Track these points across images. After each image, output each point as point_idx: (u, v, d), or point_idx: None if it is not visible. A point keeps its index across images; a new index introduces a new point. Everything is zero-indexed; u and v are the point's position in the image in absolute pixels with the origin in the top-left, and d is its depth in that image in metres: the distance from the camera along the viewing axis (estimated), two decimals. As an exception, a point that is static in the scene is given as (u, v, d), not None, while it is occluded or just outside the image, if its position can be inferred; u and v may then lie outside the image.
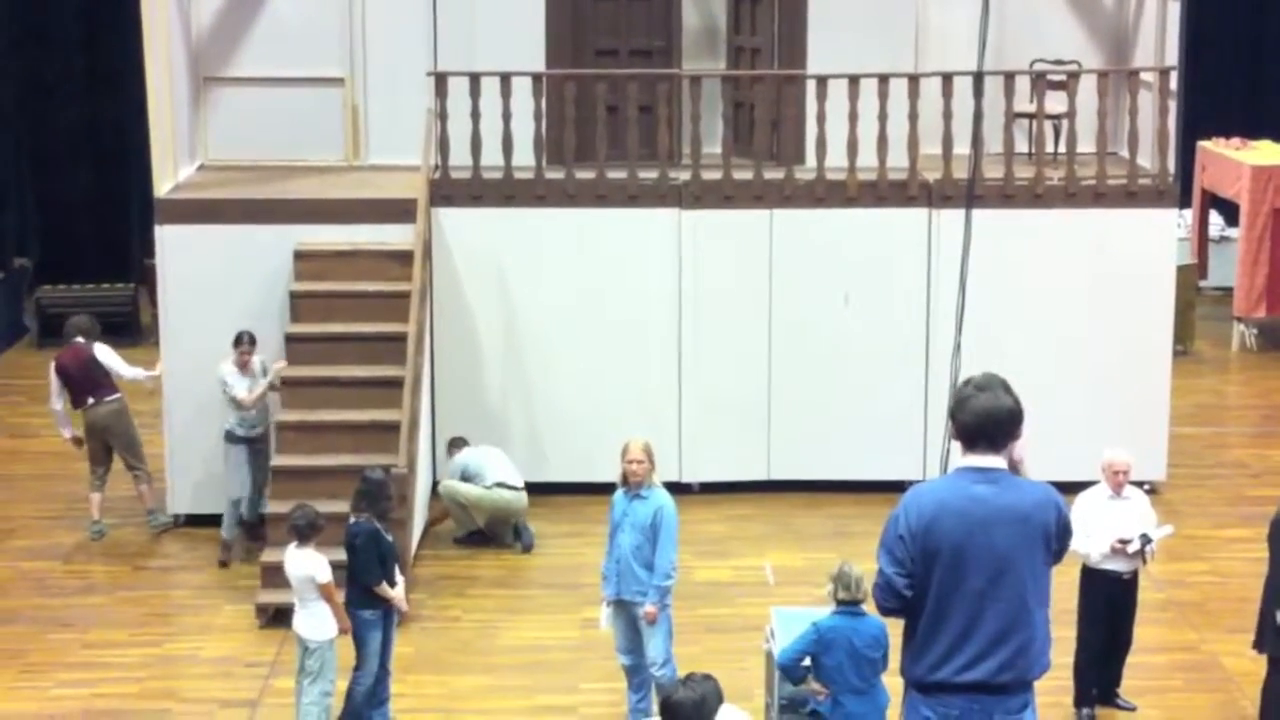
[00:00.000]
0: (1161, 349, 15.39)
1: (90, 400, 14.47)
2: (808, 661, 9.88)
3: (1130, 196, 15.13)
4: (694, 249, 15.08)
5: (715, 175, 15.03)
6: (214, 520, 14.13)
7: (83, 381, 14.45)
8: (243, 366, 13.87)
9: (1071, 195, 15.13)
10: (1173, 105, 15.12)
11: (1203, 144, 21.03)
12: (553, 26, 15.70)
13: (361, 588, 10.94)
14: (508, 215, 15.04)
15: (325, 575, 10.75)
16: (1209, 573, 13.89)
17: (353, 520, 11.05)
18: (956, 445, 7.27)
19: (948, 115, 14.81)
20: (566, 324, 15.14)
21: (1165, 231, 15.37)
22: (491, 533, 14.46)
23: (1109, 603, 11.27)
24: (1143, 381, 15.21)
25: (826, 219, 15.07)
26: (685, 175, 15.11)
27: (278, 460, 13.68)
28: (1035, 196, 15.12)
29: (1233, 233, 21.14)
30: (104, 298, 19.81)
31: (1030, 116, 15.42)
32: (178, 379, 14.40)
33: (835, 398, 15.21)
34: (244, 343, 13.82)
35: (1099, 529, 11.07)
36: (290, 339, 14.29)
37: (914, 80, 14.93)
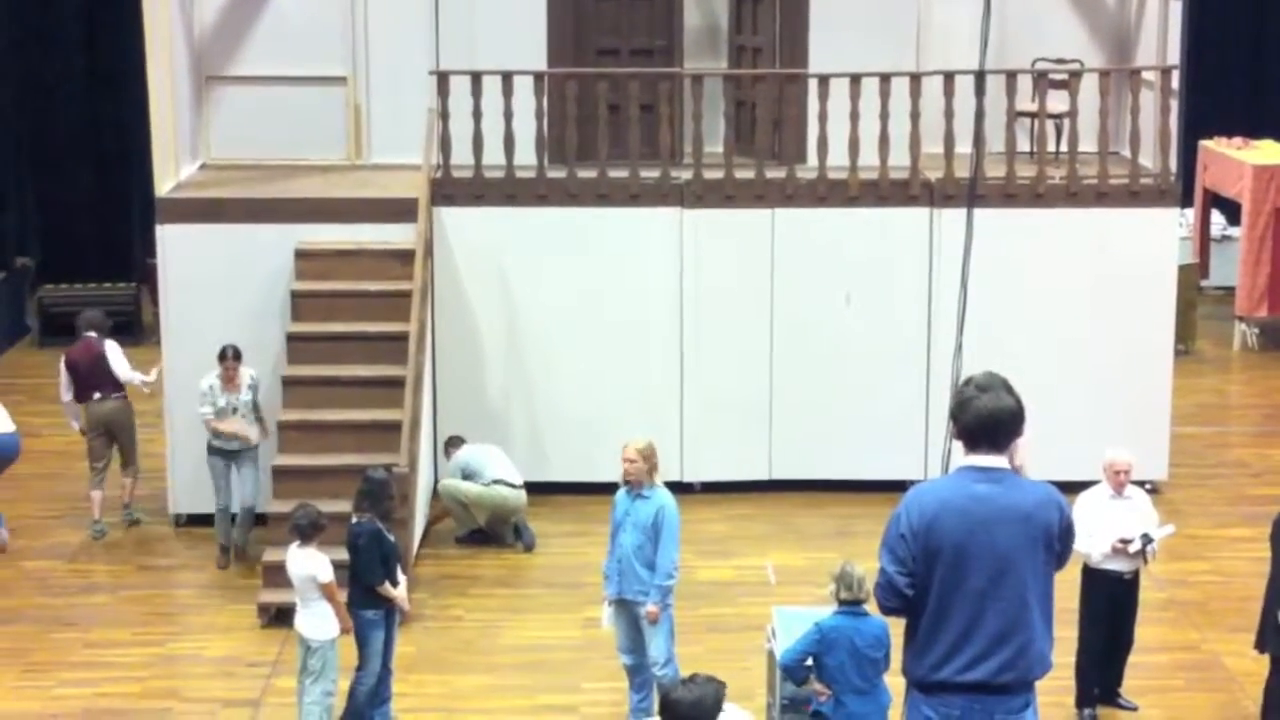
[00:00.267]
0: (1163, 348, 15.39)
1: (96, 395, 14.51)
2: (809, 661, 9.89)
3: (1132, 196, 15.12)
4: (695, 248, 15.08)
5: (717, 174, 15.03)
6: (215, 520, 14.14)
7: (90, 376, 14.48)
8: (228, 381, 13.68)
9: (1073, 194, 15.12)
10: (1174, 104, 15.12)
11: (1204, 143, 21.02)
12: (554, 25, 15.70)
13: (364, 587, 10.94)
14: (509, 214, 15.04)
15: (327, 575, 10.75)
16: (1210, 572, 13.89)
17: (355, 520, 11.05)
18: (957, 445, 7.27)
19: (949, 114, 14.80)
20: (568, 323, 15.14)
21: (1167, 231, 15.36)
22: (492, 532, 14.46)
23: (1110, 602, 11.26)
24: (1144, 381, 15.20)
25: (828, 218, 15.07)
26: (687, 174, 15.11)
27: (279, 460, 13.68)
28: (1037, 196, 15.11)
29: (1234, 232, 21.13)
30: (106, 297, 19.77)
31: (1032, 115, 15.42)
32: (179, 378, 14.39)
33: (837, 397, 15.20)
34: (228, 357, 13.63)
35: (1100, 529, 11.07)
36: (292, 338, 14.29)
37: (916, 79, 14.93)
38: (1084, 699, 11.41)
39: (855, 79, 14.77)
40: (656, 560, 10.67)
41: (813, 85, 15.06)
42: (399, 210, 14.57)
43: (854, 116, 14.77)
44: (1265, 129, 21.38)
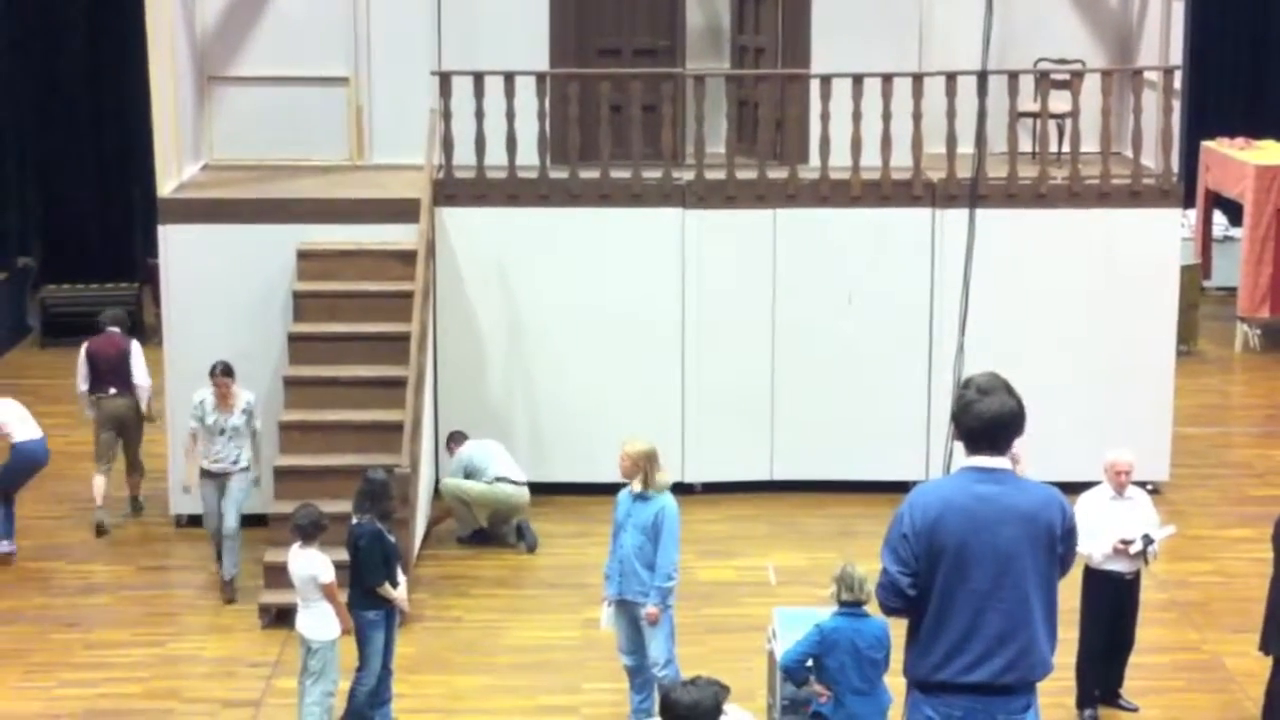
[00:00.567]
0: (1165, 349, 15.38)
1: (112, 390, 14.59)
2: (810, 663, 9.89)
3: (1134, 196, 15.11)
4: (697, 248, 15.08)
5: (719, 175, 15.02)
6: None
7: (110, 371, 14.61)
8: (220, 399, 13.20)
9: (1075, 195, 15.11)
10: (1177, 105, 15.10)
11: (1207, 144, 21.02)
12: (556, 26, 15.71)
13: (364, 588, 10.93)
14: (511, 215, 15.04)
15: (328, 575, 10.75)
16: (1212, 573, 13.88)
17: (355, 521, 11.05)
18: (958, 445, 7.26)
19: (952, 115, 14.79)
20: (570, 324, 15.14)
21: (1169, 231, 15.35)
22: (493, 531, 14.45)
23: (1111, 603, 11.25)
24: (1146, 381, 15.19)
25: (830, 218, 15.06)
26: (689, 175, 15.10)
27: (281, 460, 13.67)
28: (1039, 196, 15.10)
29: (1236, 233, 21.13)
30: (107, 297, 19.76)
31: (1034, 116, 15.40)
32: (181, 379, 14.37)
33: (838, 397, 15.20)
34: (216, 373, 13.19)
35: (1101, 529, 11.06)
36: (293, 338, 14.29)
37: (918, 79, 14.92)
38: (1085, 700, 11.40)
39: (857, 79, 14.77)
40: (656, 561, 10.66)
41: (815, 85, 15.06)
42: (401, 210, 14.57)
43: (856, 117, 14.77)
44: (1267, 129, 21.38)
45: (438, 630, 12.88)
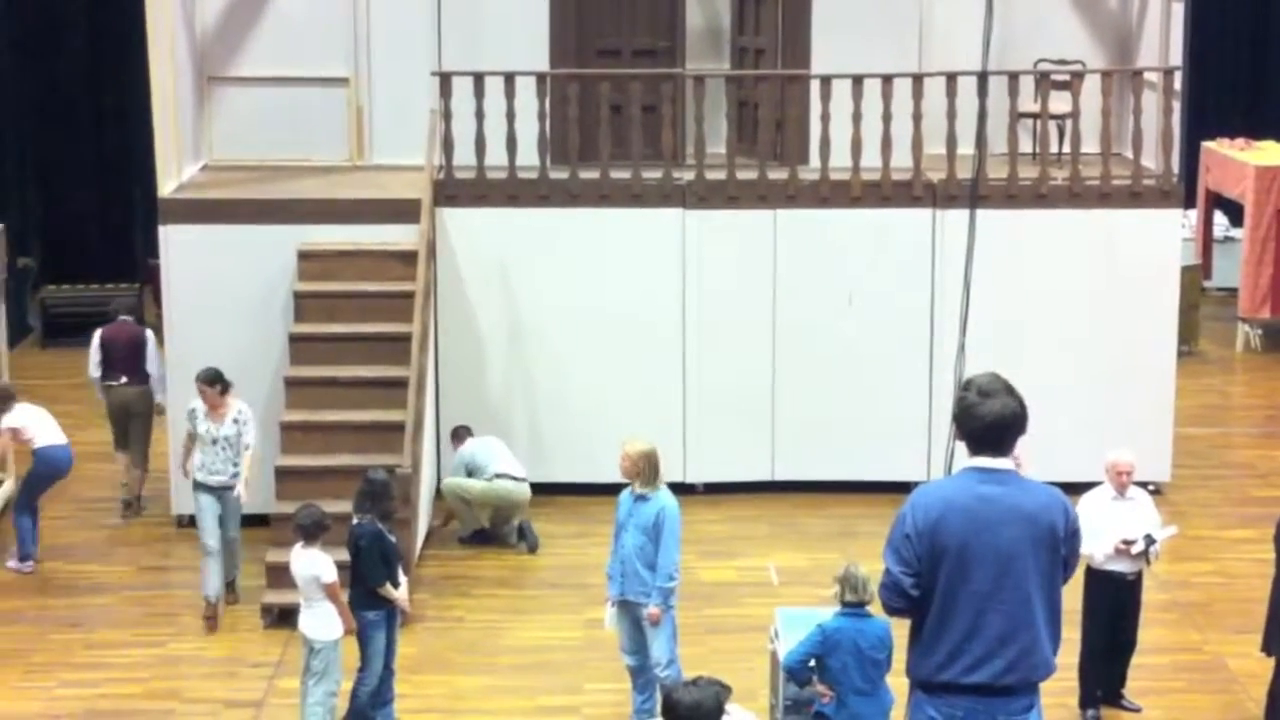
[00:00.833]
0: (1166, 349, 15.38)
1: (124, 379, 14.68)
2: (812, 663, 9.88)
3: (1134, 197, 15.12)
4: (698, 249, 15.07)
5: (719, 175, 15.02)
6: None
7: (123, 359, 14.72)
8: (211, 409, 12.75)
9: (1076, 195, 15.11)
10: (1177, 105, 15.11)
11: (1207, 144, 21.02)
12: (557, 26, 15.71)
13: (365, 589, 10.93)
14: (512, 215, 15.04)
15: (330, 575, 10.74)
16: (1214, 573, 13.88)
17: (356, 521, 11.04)
18: (960, 445, 7.26)
19: (952, 115, 14.79)
20: (570, 324, 15.14)
21: (1170, 232, 15.35)
22: (495, 531, 14.45)
23: (1113, 603, 11.26)
24: (1147, 382, 15.19)
25: (830, 219, 15.06)
26: (689, 175, 15.10)
27: (282, 460, 13.67)
28: (1039, 197, 15.10)
29: (1237, 233, 21.12)
30: (108, 297, 19.61)
31: (1034, 116, 15.40)
32: (181, 380, 14.36)
33: (839, 398, 15.19)
34: (201, 380, 12.73)
35: (1103, 530, 11.06)
36: (294, 339, 14.28)
37: (918, 80, 14.91)
38: (1087, 700, 11.40)
39: (858, 80, 14.77)
40: (657, 562, 10.66)
41: (815, 86, 15.06)
42: (401, 211, 14.57)
43: (856, 117, 14.76)
44: (1268, 130, 21.38)
45: (439, 630, 12.88)
